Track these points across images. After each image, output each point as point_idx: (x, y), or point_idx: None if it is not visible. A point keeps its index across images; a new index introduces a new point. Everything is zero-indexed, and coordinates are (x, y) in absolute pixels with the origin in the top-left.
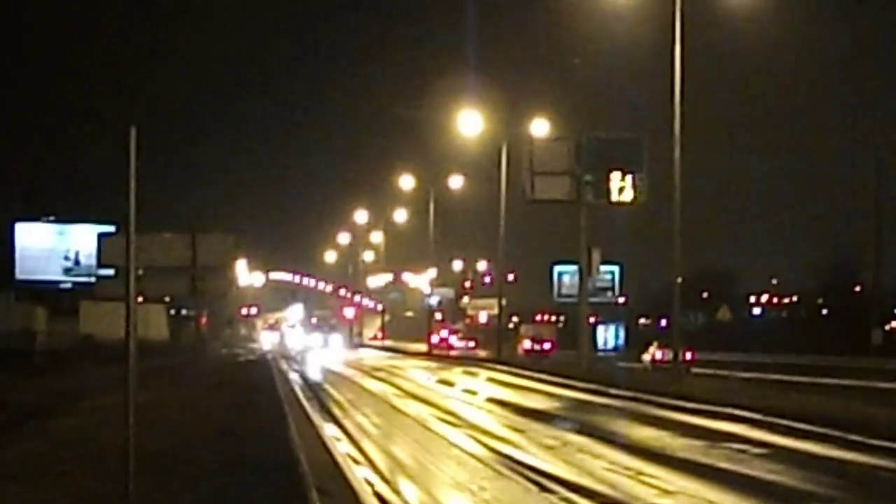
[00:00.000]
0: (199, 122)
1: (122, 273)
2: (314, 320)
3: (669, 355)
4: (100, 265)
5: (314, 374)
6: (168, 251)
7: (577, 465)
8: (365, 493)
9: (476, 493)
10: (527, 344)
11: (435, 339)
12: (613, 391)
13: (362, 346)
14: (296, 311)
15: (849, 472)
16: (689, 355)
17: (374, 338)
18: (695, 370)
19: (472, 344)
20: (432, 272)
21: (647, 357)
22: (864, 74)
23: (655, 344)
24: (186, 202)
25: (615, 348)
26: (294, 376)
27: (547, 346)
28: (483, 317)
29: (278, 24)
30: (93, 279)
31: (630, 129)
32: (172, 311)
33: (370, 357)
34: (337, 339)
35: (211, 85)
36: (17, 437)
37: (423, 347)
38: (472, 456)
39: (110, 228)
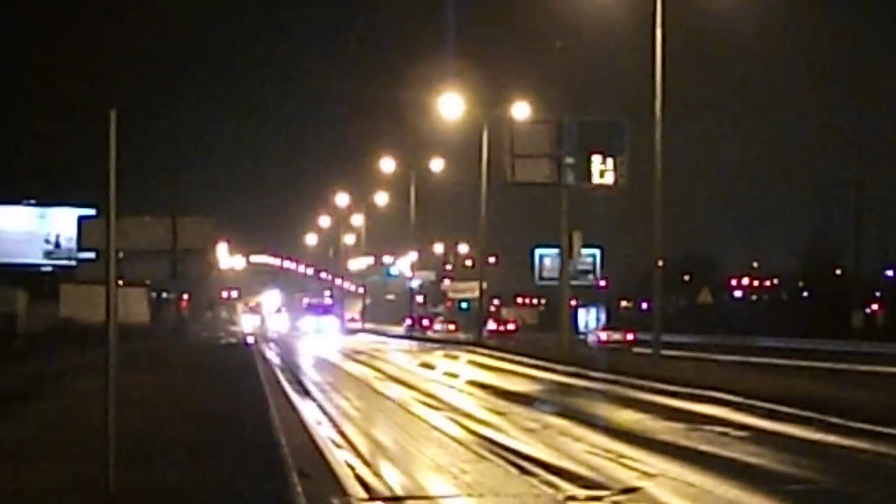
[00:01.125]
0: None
1: (103, 256)
2: (306, 301)
3: (614, 336)
4: (80, 248)
5: (295, 358)
6: (148, 234)
7: (557, 447)
8: (346, 475)
9: (457, 476)
10: (491, 325)
11: (409, 322)
12: (594, 374)
13: (359, 330)
14: (273, 297)
15: (829, 455)
16: (629, 336)
17: (353, 320)
18: (676, 353)
19: (451, 327)
20: (413, 255)
21: (592, 338)
22: (846, 57)
23: (600, 327)
24: (167, 185)
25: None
26: (275, 359)
27: (511, 326)
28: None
29: (258, 6)
30: (73, 262)
31: (611, 112)
32: (153, 295)
33: (366, 343)
34: (332, 323)
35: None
36: None
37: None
38: (453, 439)
39: (91, 212)
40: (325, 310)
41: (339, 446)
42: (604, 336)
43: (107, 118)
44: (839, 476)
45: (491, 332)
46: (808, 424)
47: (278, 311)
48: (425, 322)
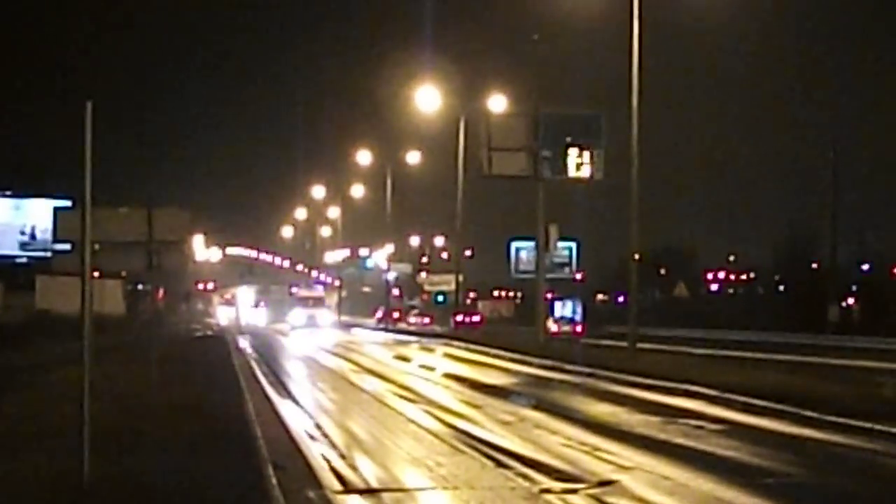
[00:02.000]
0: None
1: (79, 248)
2: (295, 290)
3: (564, 328)
4: (56, 240)
5: (271, 351)
6: (124, 226)
7: (533, 440)
8: (321, 468)
9: (433, 469)
10: (458, 318)
11: (379, 314)
12: (570, 367)
13: (355, 324)
14: (250, 291)
15: (804, 448)
16: (578, 328)
17: None
18: (652, 346)
19: (427, 320)
20: (390, 248)
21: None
22: (823, 51)
23: (551, 318)
24: (143, 177)
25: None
26: (251, 352)
27: (476, 318)
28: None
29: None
30: (49, 254)
31: (588, 105)
32: (129, 286)
33: (341, 336)
34: (325, 316)
35: (166, 59)
36: None
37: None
38: (429, 431)
39: (67, 203)
40: (317, 302)
41: (314, 439)
42: (554, 328)
43: (82, 110)
44: (813, 469)
45: (458, 323)
46: (783, 418)
47: (256, 305)
48: (395, 314)
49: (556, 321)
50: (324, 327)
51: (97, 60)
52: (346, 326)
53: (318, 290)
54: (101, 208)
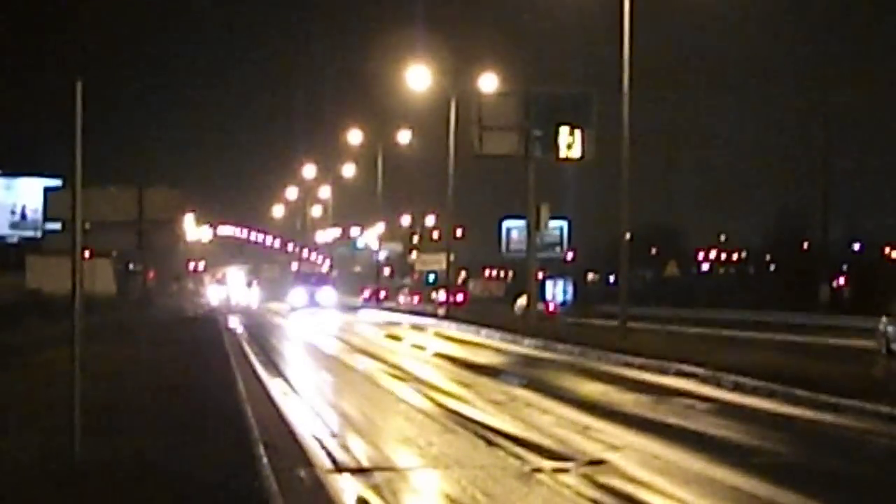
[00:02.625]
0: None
1: (69, 227)
2: (294, 267)
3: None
4: (46, 219)
5: (262, 331)
6: (115, 205)
7: (524, 419)
8: (312, 447)
9: (424, 448)
10: (441, 297)
11: (366, 293)
12: (561, 346)
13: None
14: (242, 271)
15: (794, 428)
16: (551, 307)
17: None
18: (643, 326)
19: (416, 299)
20: (381, 227)
21: (518, 306)
22: (814, 30)
23: (524, 296)
24: (133, 156)
25: (563, 303)
26: (242, 332)
27: (459, 297)
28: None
29: None
30: (39, 233)
31: (579, 85)
32: (120, 266)
33: (331, 316)
34: (328, 294)
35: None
36: None
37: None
38: (420, 411)
39: (57, 182)
40: (320, 280)
41: (304, 418)
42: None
43: (73, 89)
44: (804, 448)
45: (441, 303)
46: (774, 397)
47: (249, 284)
48: (382, 294)
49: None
50: (327, 307)
51: (87, 39)
52: (350, 307)
53: (320, 268)
54: (92, 188)
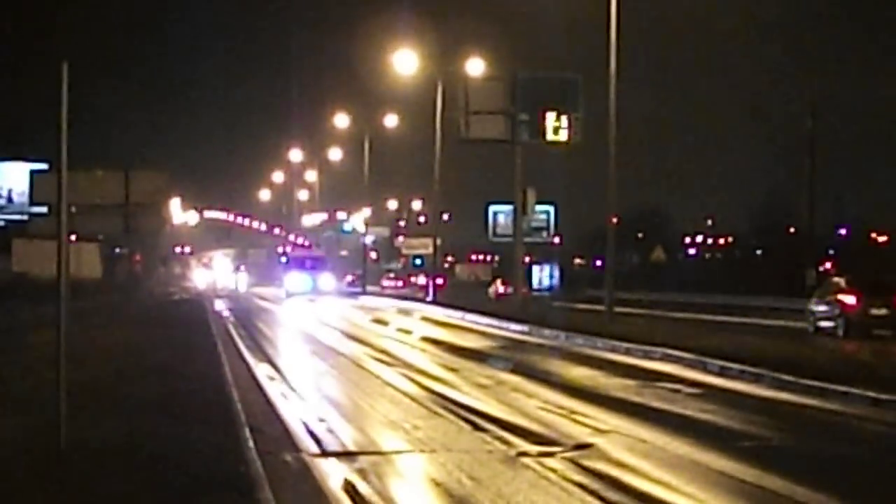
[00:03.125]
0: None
1: (55, 210)
2: (286, 250)
3: (509, 289)
4: (32, 203)
5: (248, 315)
6: (101, 188)
7: (510, 404)
8: (298, 431)
9: (409, 432)
10: (421, 280)
11: (349, 278)
12: (547, 331)
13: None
14: (228, 255)
15: (780, 412)
16: (524, 290)
17: None
18: (630, 310)
19: (401, 283)
20: (367, 211)
21: (491, 290)
22: (801, 15)
23: (499, 280)
24: (119, 140)
25: (550, 288)
26: (228, 315)
27: (440, 281)
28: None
29: None
30: (25, 217)
31: (566, 69)
32: (107, 250)
33: (317, 300)
34: (327, 280)
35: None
36: None
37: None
38: (406, 395)
39: (43, 166)
40: (318, 263)
41: (290, 402)
42: (501, 289)
43: (58, 72)
44: (789, 432)
45: (421, 286)
46: (760, 381)
47: (237, 268)
48: (350, 278)
49: (503, 282)
50: (326, 293)
51: (73, 21)
52: (351, 293)
53: (316, 250)
54: (78, 171)
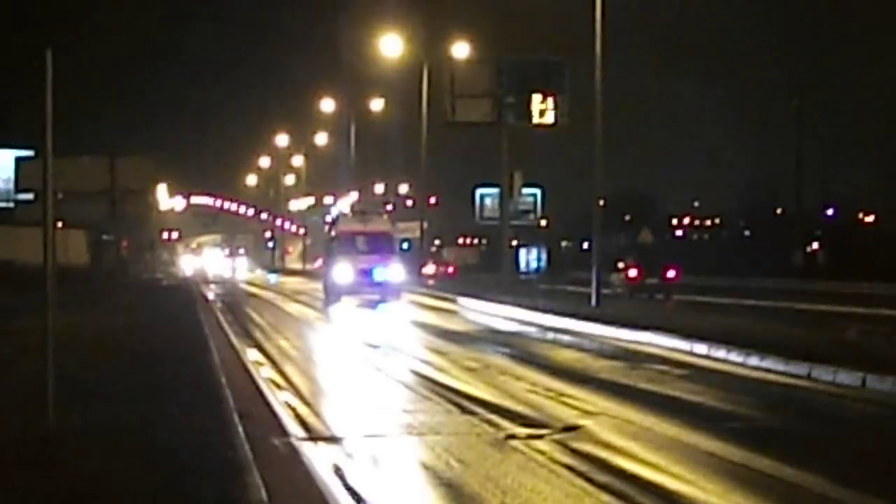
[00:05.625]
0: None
1: (41, 197)
2: (329, 219)
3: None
4: (18, 190)
5: (234, 298)
6: (87, 175)
7: (498, 386)
8: (286, 415)
9: (398, 415)
10: (430, 270)
11: (318, 262)
12: (535, 313)
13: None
14: (215, 247)
15: (768, 393)
16: (450, 269)
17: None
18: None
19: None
20: (354, 195)
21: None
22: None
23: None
24: (105, 125)
25: (537, 270)
26: (215, 300)
27: (450, 269)
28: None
29: None
30: (11, 204)
31: (552, 51)
32: (93, 237)
33: (302, 283)
34: (396, 271)
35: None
36: None
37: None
38: (394, 378)
39: (28, 153)
40: (380, 245)
41: (279, 387)
42: (433, 269)
43: (43, 58)
44: (777, 413)
45: (430, 276)
46: (748, 363)
47: (235, 252)
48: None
49: (434, 262)
50: (393, 297)
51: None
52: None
53: (378, 219)
54: (64, 158)
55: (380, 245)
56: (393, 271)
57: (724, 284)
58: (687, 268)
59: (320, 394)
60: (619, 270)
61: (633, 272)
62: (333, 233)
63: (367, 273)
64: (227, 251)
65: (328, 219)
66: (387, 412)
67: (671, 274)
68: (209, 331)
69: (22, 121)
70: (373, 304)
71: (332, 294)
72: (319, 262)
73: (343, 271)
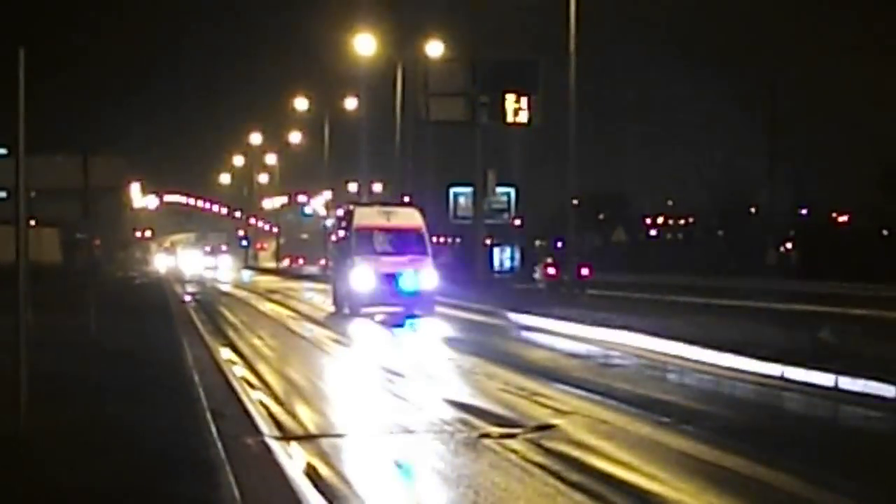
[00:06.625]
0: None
1: (13, 195)
2: (340, 213)
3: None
4: None
5: (206, 297)
6: (60, 173)
7: (471, 386)
8: (259, 415)
9: (371, 415)
10: None
11: (285, 262)
12: (507, 312)
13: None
14: (192, 247)
15: (740, 393)
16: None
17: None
18: (591, 291)
19: None
20: (328, 194)
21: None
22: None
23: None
24: (78, 124)
25: (511, 270)
26: (188, 298)
27: None
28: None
29: None
30: None
31: (526, 51)
32: (67, 236)
33: (277, 282)
34: (429, 277)
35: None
36: None
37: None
38: (367, 378)
39: (1, 151)
40: (408, 244)
41: (252, 386)
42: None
43: (15, 57)
44: (750, 413)
45: None
46: (721, 362)
47: (212, 251)
48: (301, 260)
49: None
50: (427, 305)
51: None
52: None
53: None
54: (37, 156)
55: (408, 244)
56: (425, 277)
57: (697, 283)
58: (660, 267)
59: (293, 392)
60: (544, 268)
61: (551, 270)
62: (346, 229)
63: (391, 279)
64: (208, 249)
65: (339, 212)
66: (359, 411)
67: (585, 272)
68: (182, 329)
69: None
70: (398, 321)
71: (346, 305)
72: (286, 262)
73: (362, 277)
